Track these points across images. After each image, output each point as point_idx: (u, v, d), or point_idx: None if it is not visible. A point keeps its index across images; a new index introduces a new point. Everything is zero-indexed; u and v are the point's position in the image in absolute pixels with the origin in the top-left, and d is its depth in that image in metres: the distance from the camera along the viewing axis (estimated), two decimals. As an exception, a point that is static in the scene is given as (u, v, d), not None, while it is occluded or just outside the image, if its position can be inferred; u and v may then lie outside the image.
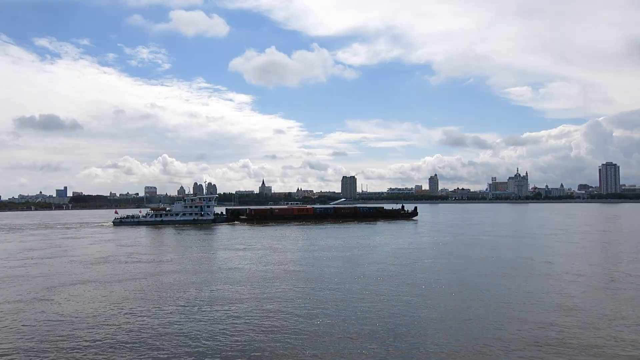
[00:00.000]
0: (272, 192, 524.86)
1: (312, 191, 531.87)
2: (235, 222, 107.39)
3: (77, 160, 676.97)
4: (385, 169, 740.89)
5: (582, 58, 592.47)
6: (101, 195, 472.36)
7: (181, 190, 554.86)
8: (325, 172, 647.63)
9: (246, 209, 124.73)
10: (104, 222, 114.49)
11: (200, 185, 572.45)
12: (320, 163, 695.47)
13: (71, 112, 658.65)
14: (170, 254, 46.98)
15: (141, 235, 76.99)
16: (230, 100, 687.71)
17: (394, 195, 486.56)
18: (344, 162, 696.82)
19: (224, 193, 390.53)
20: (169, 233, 79.53)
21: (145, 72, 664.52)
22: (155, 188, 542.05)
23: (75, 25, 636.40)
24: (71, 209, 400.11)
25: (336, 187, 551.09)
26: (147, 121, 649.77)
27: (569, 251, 44.92)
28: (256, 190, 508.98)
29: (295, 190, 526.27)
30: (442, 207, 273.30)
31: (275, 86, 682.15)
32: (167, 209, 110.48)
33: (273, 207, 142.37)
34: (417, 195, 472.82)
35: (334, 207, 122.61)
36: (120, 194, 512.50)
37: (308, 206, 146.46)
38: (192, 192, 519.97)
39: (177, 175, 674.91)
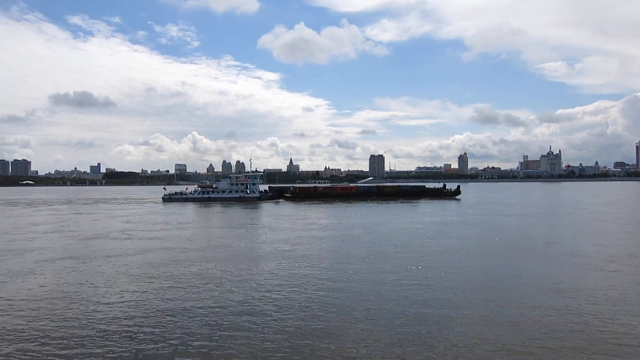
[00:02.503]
0: (300, 170, 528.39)
1: (339, 170, 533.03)
2: (280, 200, 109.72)
3: (110, 137, 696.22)
4: (414, 147, 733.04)
5: (622, 31, 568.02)
6: (133, 172, 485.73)
7: (210, 168, 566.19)
8: (353, 150, 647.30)
9: (290, 187, 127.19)
10: (154, 199, 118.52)
11: (229, 163, 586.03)
12: (348, 141, 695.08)
13: (104, 89, 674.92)
14: (222, 230, 48.25)
15: (190, 211, 79.68)
16: (259, 78, 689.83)
17: (422, 174, 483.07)
18: (372, 140, 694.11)
19: (250, 170, 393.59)
20: (217, 210, 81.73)
21: (175, 50, 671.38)
22: (185, 165, 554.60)
23: (106, 2, 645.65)
24: (104, 185, 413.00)
25: (364, 166, 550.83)
26: (177, 99, 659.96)
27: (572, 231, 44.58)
28: (284, 169, 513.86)
29: (322, 169, 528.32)
30: (472, 185, 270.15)
31: (304, 63, 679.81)
32: (214, 186, 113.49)
33: (317, 185, 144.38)
34: (446, 174, 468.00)
35: (377, 186, 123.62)
36: (151, 171, 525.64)
37: (351, 184, 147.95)
38: (220, 171, 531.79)
39: (206, 152, 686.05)
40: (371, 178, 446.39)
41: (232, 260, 30.22)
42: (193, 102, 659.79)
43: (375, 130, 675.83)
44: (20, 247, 37.33)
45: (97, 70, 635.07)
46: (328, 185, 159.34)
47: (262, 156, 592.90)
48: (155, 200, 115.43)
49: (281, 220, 58.83)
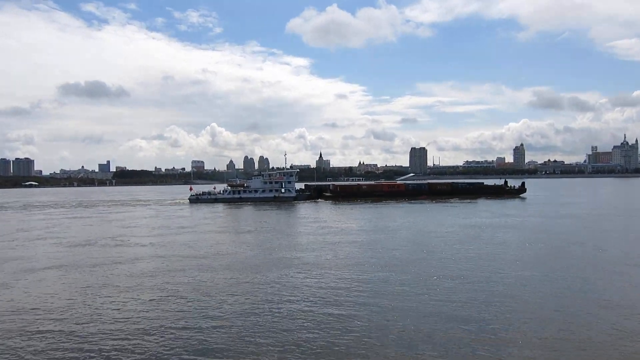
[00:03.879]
0: (331, 166, 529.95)
1: (375, 165, 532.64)
2: (319, 200, 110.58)
3: (121, 130, 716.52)
4: (462, 138, 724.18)
5: None
6: (145, 170, 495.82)
7: (230, 164, 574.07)
8: (391, 142, 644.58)
9: (329, 185, 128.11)
10: (181, 200, 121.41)
11: (251, 159, 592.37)
12: (386, 132, 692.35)
13: (118, 78, 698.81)
14: (257, 236, 48.38)
15: (219, 213, 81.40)
16: (287, 64, 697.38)
17: (472, 169, 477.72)
18: (413, 130, 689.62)
19: (273, 167, 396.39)
20: (249, 212, 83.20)
21: (195, 37, 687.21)
22: (202, 162, 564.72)
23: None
24: (115, 185, 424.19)
25: (403, 160, 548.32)
26: (196, 87, 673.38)
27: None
28: (312, 164, 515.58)
29: (357, 164, 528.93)
30: (531, 183, 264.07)
31: (337, 48, 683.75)
32: (245, 185, 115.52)
33: (360, 182, 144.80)
34: (499, 170, 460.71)
35: (428, 183, 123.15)
36: (165, 169, 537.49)
37: (399, 181, 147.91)
38: (241, 168, 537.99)
39: (227, 147, 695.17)
40: (412, 174, 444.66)
41: (270, 271, 30.06)
42: (214, 91, 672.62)
43: (417, 118, 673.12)
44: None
45: (111, 59, 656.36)
46: (373, 182, 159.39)
47: (288, 150, 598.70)
48: (180, 201, 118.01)
49: (325, 223, 59.17)
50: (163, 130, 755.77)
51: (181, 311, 21.69)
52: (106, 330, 19.37)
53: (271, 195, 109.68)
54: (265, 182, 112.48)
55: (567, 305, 21.64)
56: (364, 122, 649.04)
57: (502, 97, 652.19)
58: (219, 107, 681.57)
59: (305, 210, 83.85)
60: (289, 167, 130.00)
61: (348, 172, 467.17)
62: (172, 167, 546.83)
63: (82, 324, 20.25)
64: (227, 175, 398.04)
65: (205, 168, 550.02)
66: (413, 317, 20.11)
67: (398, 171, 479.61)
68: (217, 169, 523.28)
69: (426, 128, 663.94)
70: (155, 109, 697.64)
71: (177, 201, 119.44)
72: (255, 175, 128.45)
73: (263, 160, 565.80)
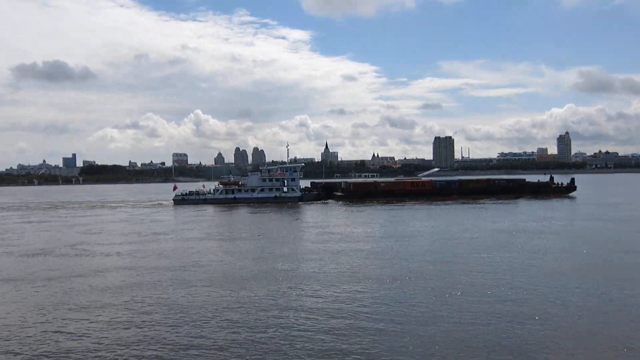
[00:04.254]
0: (339, 159, 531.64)
1: (392, 158, 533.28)
2: (329, 201, 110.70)
3: (88, 119, 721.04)
4: (495, 126, 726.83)
5: None
6: (118, 166, 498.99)
7: (219, 158, 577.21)
8: (411, 131, 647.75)
9: (341, 182, 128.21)
10: (163, 201, 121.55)
11: (244, 151, 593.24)
12: (404, 119, 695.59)
13: (82, 57, 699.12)
14: (254, 252, 45.05)
15: (206, 217, 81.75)
16: (283, 38, 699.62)
17: (507, 162, 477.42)
18: (437, 118, 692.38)
19: (272, 161, 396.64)
20: (245, 216, 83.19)
21: (172, 5, 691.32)
22: (185, 156, 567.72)
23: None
24: (82, 183, 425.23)
25: (426, 153, 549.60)
26: (175, 68, 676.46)
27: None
28: (317, 158, 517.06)
29: (370, 157, 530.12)
30: (580, 179, 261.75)
31: (345, 18, 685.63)
32: (240, 182, 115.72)
33: (377, 180, 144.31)
34: (541, 163, 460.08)
35: (458, 181, 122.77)
36: (142, 164, 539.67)
37: (424, 178, 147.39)
38: (232, 162, 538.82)
39: (214, 137, 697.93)
40: (436, 169, 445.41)
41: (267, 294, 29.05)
42: (196, 72, 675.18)
43: (442, 103, 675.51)
44: None
45: (72, 33, 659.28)
46: (392, 179, 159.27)
47: (288, 141, 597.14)
48: (163, 202, 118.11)
49: (335, 229, 58.68)
50: (138, 118, 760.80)
51: (147, 336, 21.46)
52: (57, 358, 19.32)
53: (271, 195, 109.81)
54: (265, 180, 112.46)
55: (622, 333, 20.84)
56: (378, 108, 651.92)
57: (543, 79, 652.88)
58: (204, 91, 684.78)
59: (313, 213, 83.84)
60: (292, 160, 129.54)
61: (359, 166, 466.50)
62: (149, 162, 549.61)
63: (29, 351, 20.08)
64: (215, 170, 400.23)
65: (189, 162, 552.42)
66: (430, 345, 19.82)
67: (419, 165, 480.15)
68: (203, 164, 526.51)
69: (452, 114, 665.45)
70: (128, 94, 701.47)
71: (159, 202, 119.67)
72: (252, 171, 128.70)
73: (258, 153, 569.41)
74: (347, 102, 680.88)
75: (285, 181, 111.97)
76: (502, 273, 31.91)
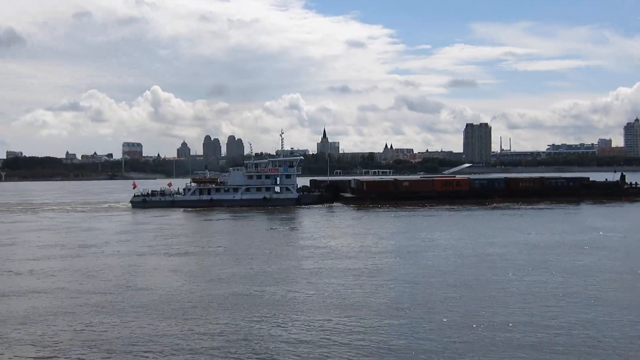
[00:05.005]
0: (341, 151, 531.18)
1: (411, 150, 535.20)
2: (334, 204, 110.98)
3: (14, 98, 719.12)
4: (545, 110, 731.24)
5: None
6: (52, 158, 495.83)
7: (183, 149, 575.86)
8: (435, 116, 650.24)
9: (350, 180, 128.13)
10: (117, 204, 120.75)
11: (216, 140, 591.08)
12: (426, 100, 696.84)
13: (5, 17, 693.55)
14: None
15: (167, 224, 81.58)
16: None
17: (560, 157, 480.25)
18: (469, 99, 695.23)
19: (261, 152, 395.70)
20: (221, 222, 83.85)
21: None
22: (139, 146, 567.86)
23: None
24: (4, 180, 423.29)
25: (454, 144, 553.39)
26: (127, 30, 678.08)
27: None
28: (313, 149, 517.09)
29: (381, 149, 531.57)
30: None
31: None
32: (219, 180, 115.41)
33: (398, 178, 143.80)
34: (603, 158, 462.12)
35: (505, 179, 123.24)
36: (83, 156, 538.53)
37: (458, 176, 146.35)
38: (201, 154, 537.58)
39: (177, 123, 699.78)
40: (466, 165, 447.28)
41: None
42: (154, 36, 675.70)
43: (476, 80, 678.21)
44: None
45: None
46: (418, 178, 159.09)
47: (273, 127, 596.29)
48: (117, 205, 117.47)
49: (341, 243, 58.02)
50: (78, 96, 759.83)
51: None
52: None
53: (259, 196, 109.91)
54: (251, 177, 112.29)
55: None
56: (392, 85, 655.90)
57: (607, 48, 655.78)
58: (164, 61, 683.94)
59: (314, 220, 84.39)
60: (289, 152, 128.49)
61: (367, 160, 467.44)
62: (92, 153, 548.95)
63: None
64: (178, 165, 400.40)
65: (143, 154, 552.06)
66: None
67: (445, 160, 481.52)
68: (162, 156, 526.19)
69: (489, 95, 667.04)
70: (66, 65, 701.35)
71: (109, 205, 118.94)
72: (236, 166, 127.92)
73: (234, 143, 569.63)
74: (352, 76, 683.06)
75: (278, 179, 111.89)
76: (548, 300, 31.86)
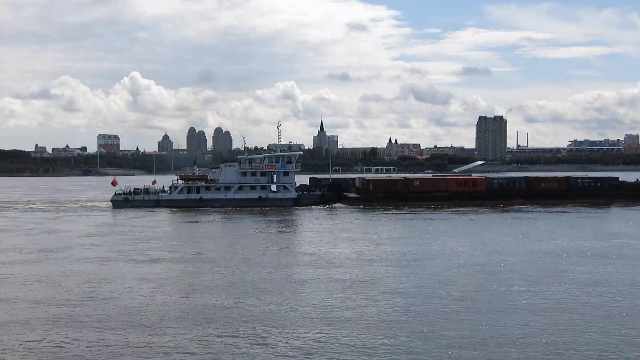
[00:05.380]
0: (340, 146, 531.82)
1: (417, 145, 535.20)
2: (337, 205, 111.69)
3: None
4: (566, 102, 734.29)
5: None
6: (19, 151, 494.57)
7: (165, 142, 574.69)
8: (444, 108, 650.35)
9: (355, 178, 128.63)
10: (97, 203, 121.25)
11: (201, 132, 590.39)
12: (435, 90, 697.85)
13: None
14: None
15: (152, 228, 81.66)
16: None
17: (582, 154, 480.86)
18: (482, 88, 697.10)
19: (255, 147, 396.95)
20: (208, 224, 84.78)
21: None
22: (116, 138, 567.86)
23: None
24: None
25: (465, 139, 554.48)
26: (103, 9, 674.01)
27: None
28: (309, 143, 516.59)
29: (385, 144, 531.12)
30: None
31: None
32: (209, 177, 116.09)
33: (408, 176, 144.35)
34: (630, 156, 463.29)
35: (526, 179, 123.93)
36: (54, 149, 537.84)
37: (475, 175, 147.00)
38: (184, 147, 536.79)
39: (158, 113, 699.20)
40: (479, 162, 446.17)
41: None
42: (133, 16, 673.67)
43: (490, 68, 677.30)
44: None
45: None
46: (430, 176, 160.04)
47: (265, 119, 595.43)
48: (98, 205, 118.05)
49: (339, 257, 56.11)
50: (49, 83, 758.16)
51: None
52: None
53: (254, 195, 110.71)
54: (245, 174, 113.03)
55: None
56: (398, 73, 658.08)
57: (635, 33, 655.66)
58: (144, 45, 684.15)
59: (314, 223, 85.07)
60: (288, 145, 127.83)
61: (369, 156, 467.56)
62: (64, 146, 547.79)
63: None
64: (159, 160, 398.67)
65: (121, 148, 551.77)
66: None
67: (456, 157, 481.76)
68: (141, 150, 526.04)
69: (505, 84, 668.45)
70: (35, 47, 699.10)
71: (93, 205, 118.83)
72: (225, 162, 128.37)
73: (221, 136, 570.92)
74: (354, 63, 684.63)
75: (275, 176, 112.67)
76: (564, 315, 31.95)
